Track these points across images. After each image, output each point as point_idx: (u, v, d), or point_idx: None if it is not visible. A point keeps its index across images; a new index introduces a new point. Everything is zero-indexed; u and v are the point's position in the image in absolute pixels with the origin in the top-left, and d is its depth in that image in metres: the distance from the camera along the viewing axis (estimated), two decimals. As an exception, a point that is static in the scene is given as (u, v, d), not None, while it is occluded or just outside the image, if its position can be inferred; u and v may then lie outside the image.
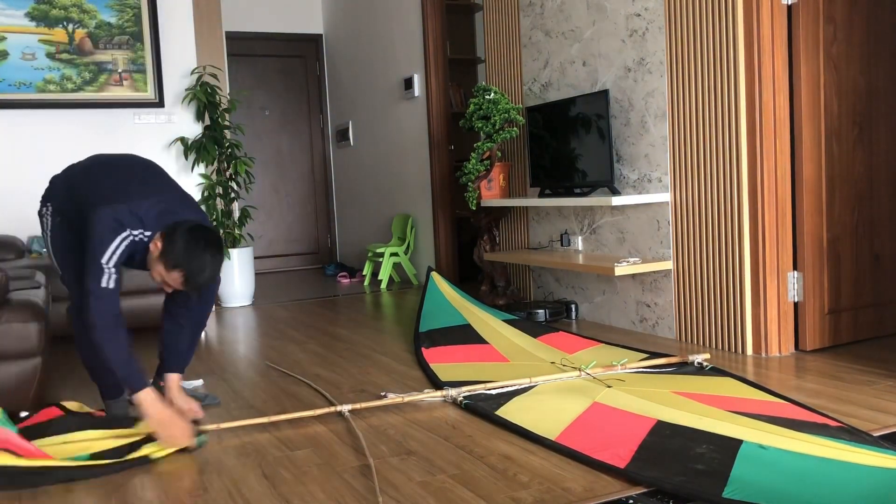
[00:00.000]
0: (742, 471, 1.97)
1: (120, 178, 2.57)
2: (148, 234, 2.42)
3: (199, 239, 2.37)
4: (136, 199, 2.45)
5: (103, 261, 2.35)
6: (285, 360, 3.67)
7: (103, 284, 2.34)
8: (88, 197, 2.49)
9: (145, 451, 2.34)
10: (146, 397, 2.39)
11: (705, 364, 3.04)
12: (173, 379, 2.67)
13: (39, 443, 2.33)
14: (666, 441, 2.22)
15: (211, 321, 4.87)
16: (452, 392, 2.80)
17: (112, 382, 2.74)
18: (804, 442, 2.14)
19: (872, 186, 3.43)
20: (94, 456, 2.29)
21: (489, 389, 2.84)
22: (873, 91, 3.41)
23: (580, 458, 2.15)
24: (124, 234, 2.39)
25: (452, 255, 5.90)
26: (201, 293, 2.66)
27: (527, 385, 2.89)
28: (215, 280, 2.49)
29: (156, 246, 2.38)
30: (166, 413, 2.41)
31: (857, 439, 2.15)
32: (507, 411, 2.59)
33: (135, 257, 2.45)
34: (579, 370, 2.99)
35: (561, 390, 2.80)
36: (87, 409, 2.69)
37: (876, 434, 2.22)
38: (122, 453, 2.32)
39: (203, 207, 4.76)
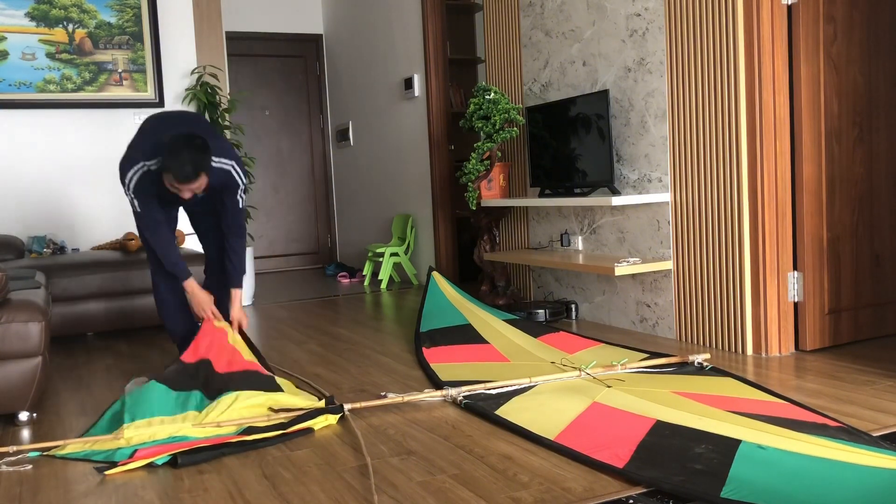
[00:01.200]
0: (740, 470, 1.97)
1: (160, 127, 3.06)
2: (153, 161, 2.89)
3: (177, 140, 2.77)
4: (154, 138, 2.96)
5: (125, 189, 3.00)
6: (285, 359, 3.67)
7: (133, 209, 3.05)
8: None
9: (304, 424, 2.56)
10: (190, 284, 3.17)
11: (705, 364, 3.04)
12: (237, 293, 3.31)
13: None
14: (665, 441, 2.22)
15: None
16: (452, 392, 2.80)
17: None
18: (803, 442, 2.14)
19: (872, 186, 3.43)
20: (251, 430, 2.50)
21: (489, 389, 2.84)
22: (873, 91, 3.41)
23: (580, 458, 2.15)
24: (137, 167, 2.93)
25: (452, 255, 5.90)
26: (225, 202, 3.24)
27: (527, 385, 2.90)
28: (198, 172, 2.80)
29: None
30: (203, 294, 3.19)
31: (856, 439, 2.15)
32: (506, 411, 2.59)
33: (157, 189, 2.98)
34: (579, 370, 3.00)
35: (561, 390, 2.81)
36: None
37: (876, 434, 2.22)
38: (283, 427, 2.53)
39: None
